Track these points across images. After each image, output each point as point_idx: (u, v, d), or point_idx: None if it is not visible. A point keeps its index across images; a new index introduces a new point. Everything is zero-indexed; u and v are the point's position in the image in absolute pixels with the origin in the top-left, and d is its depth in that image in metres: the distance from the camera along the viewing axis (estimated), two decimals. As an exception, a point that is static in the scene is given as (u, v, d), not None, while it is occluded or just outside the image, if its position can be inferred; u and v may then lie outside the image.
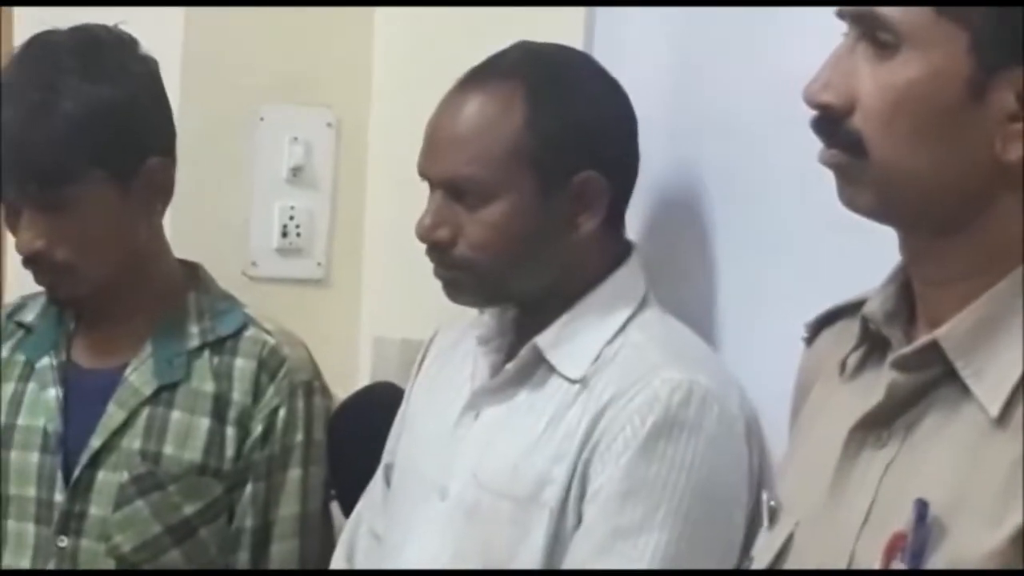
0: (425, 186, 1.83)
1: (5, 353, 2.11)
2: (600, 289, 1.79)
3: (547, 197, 1.75)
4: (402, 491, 1.88)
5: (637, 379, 1.71)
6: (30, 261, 2.00)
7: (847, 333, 1.33)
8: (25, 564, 2.03)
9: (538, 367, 1.77)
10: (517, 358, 1.78)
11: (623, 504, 1.67)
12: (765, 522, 1.35)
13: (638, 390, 1.70)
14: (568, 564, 1.70)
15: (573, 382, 1.74)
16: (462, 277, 1.78)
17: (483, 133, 1.75)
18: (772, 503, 1.34)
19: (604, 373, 1.73)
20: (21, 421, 2.06)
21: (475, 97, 1.77)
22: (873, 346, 1.30)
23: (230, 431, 2.02)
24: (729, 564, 1.70)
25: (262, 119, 2.49)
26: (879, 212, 1.25)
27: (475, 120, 1.76)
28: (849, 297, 1.37)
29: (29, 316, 2.13)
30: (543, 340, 1.77)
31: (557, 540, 1.71)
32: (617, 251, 1.81)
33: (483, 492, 1.76)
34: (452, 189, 1.76)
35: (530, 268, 1.77)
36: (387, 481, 1.95)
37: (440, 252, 1.78)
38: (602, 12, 2.07)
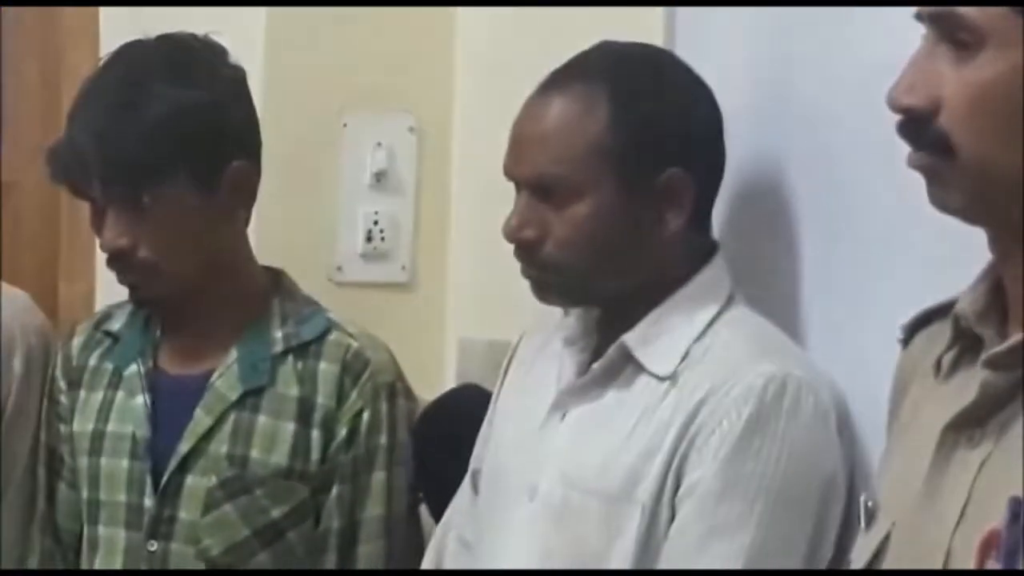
0: (508, 188, 1.81)
1: (94, 362, 2.11)
2: (686, 287, 1.77)
3: (632, 195, 1.74)
4: (492, 496, 1.86)
5: (730, 374, 1.68)
6: (113, 259, 2.00)
7: (941, 334, 1.32)
8: (117, 568, 2.03)
9: (625, 366, 1.75)
10: (604, 357, 1.76)
11: (719, 502, 1.65)
12: (863, 523, 1.33)
13: (732, 384, 1.67)
14: (663, 562, 1.68)
15: (662, 379, 1.72)
16: (550, 277, 1.77)
17: (567, 132, 1.74)
18: (869, 504, 1.33)
19: (695, 370, 1.71)
20: (111, 428, 2.06)
21: (559, 97, 1.76)
22: (966, 345, 1.29)
23: (315, 434, 2.01)
24: (824, 558, 1.67)
25: (345, 125, 2.48)
26: (969, 212, 1.24)
27: (559, 120, 1.75)
28: (941, 298, 1.35)
29: (116, 325, 2.13)
30: (631, 338, 1.75)
31: (650, 536, 1.69)
32: (703, 249, 1.79)
33: (572, 490, 1.74)
34: (538, 189, 1.75)
35: (617, 266, 1.75)
36: (475, 487, 1.93)
37: (527, 252, 1.77)
38: (682, 12, 2.05)
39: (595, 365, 1.77)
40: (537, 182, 1.75)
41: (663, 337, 1.74)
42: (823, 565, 1.67)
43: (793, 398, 1.66)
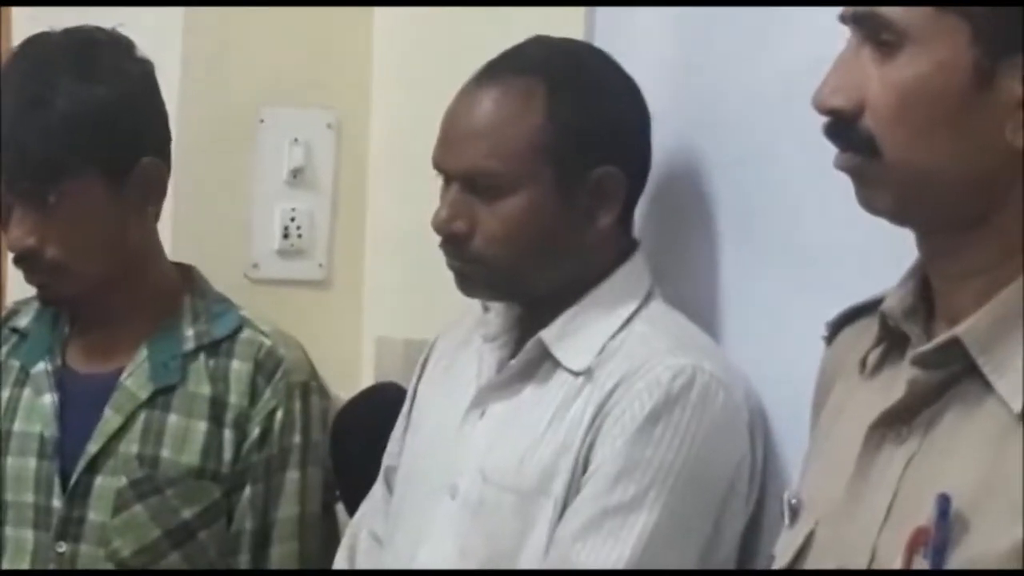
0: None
1: (0, 359, 2.05)
2: (606, 284, 1.75)
3: (566, 191, 1.71)
4: (409, 492, 1.83)
5: (641, 364, 1.67)
6: (21, 259, 1.95)
7: (867, 331, 1.31)
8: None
9: (543, 362, 1.73)
10: (522, 352, 1.74)
11: (615, 483, 1.63)
12: (786, 520, 1.31)
13: (641, 376, 1.66)
14: (555, 539, 1.65)
15: (577, 375, 1.70)
16: (477, 270, 1.74)
17: (503, 126, 1.71)
18: (793, 501, 1.31)
19: (608, 364, 1.69)
20: (17, 427, 2.00)
21: (494, 91, 1.73)
22: (893, 343, 1.28)
23: (227, 434, 1.96)
24: (720, 552, 1.66)
25: (262, 121, 2.45)
26: (897, 212, 1.23)
27: (495, 113, 1.72)
28: (861, 298, 1.34)
29: (23, 321, 2.07)
30: (548, 334, 1.73)
31: None
32: (624, 247, 1.77)
33: (488, 487, 1.71)
34: (470, 182, 1.72)
35: (545, 262, 1.73)
36: (388, 484, 1.90)
37: (456, 245, 1.74)
38: (602, 11, 2.02)
39: (513, 361, 1.76)
40: (470, 175, 1.72)
41: (580, 333, 1.73)
42: (722, 559, 1.67)
43: (701, 391, 1.65)
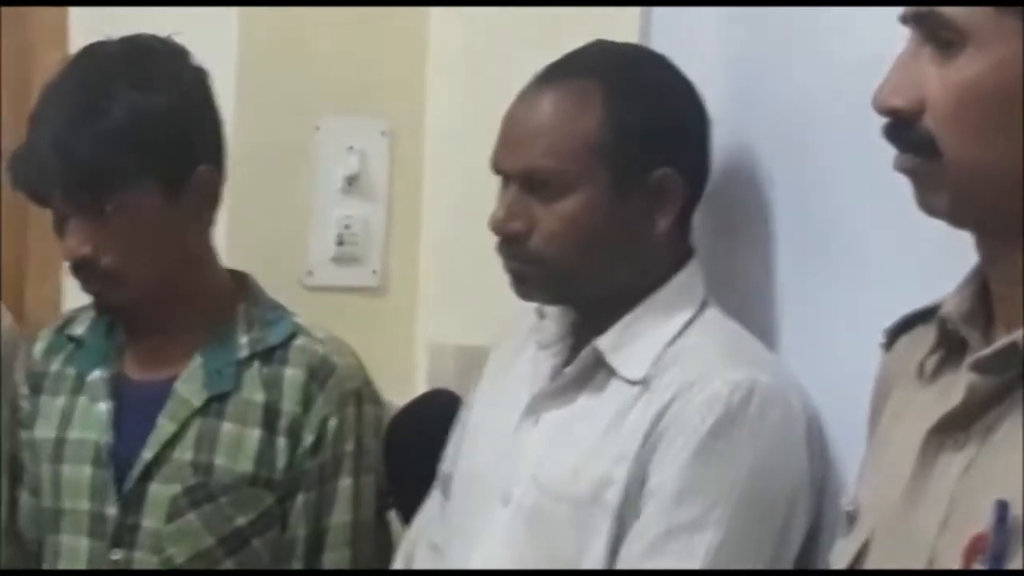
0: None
1: (56, 367, 2.06)
2: (661, 292, 1.73)
3: (623, 192, 1.71)
4: (464, 500, 1.83)
5: (698, 378, 1.65)
6: (77, 268, 1.95)
7: (925, 338, 1.29)
8: (77, 576, 1.98)
9: (598, 370, 1.72)
10: (576, 360, 1.73)
11: (679, 502, 1.62)
12: (842, 527, 1.30)
13: (699, 389, 1.64)
14: (621, 560, 1.64)
15: (634, 384, 1.69)
16: (534, 271, 1.73)
17: (561, 126, 1.71)
18: (850, 508, 1.30)
19: (666, 374, 1.68)
20: (73, 435, 2.00)
21: (553, 92, 1.73)
22: (951, 349, 1.26)
23: (281, 441, 1.96)
24: (783, 565, 1.64)
25: (317, 129, 2.44)
26: (957, 214, 1.21)
27: (553, 114, 1.72)
28: (917, 305, 1.32)
29: (79, 329, 2.07)
30: (603, 343, 1.71)
31: (620, 541, 1.66)
32: (680, 253, 1.76)
33: (544, 496, 1.70)
34: (528, 181, 1.72)
35: (602, 264, 1.72)
36: (445, 491, 1.89)
37: (513, 245, 1.73)
38: (658, 12, 2.01)
39: (567, 369, 1.74)
40: (528, 175, 1.72)
41: (635, 342, 1.71)
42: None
43: (759, 406, 1.63)
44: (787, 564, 1.65)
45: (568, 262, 1.71)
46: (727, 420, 1.62)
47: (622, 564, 1.64)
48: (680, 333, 1.71)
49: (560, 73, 1.75)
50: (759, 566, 1.63)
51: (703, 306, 1.74)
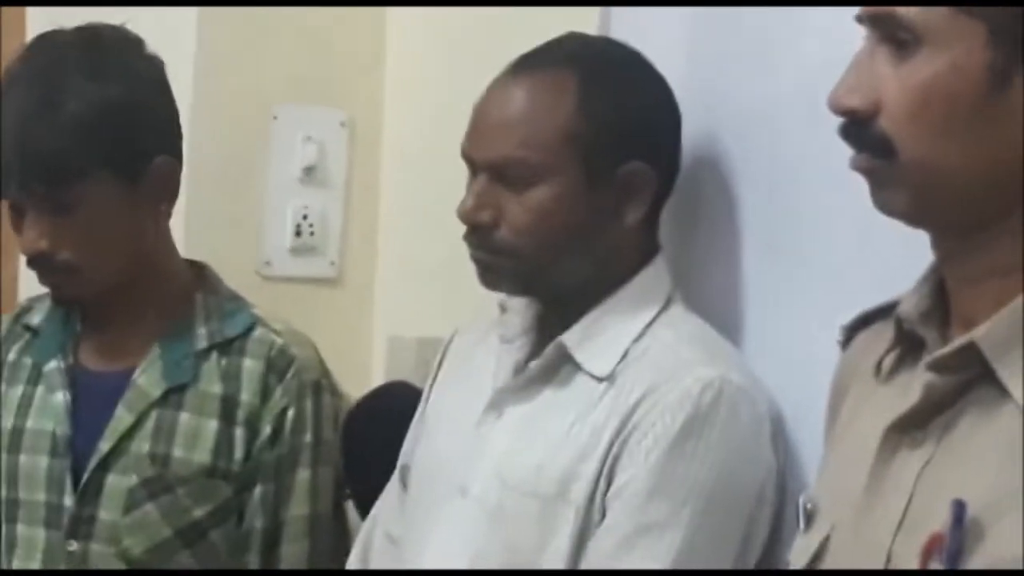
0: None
1: (13, 356, 2.04)
2: (627, 287, 1.73)
3: (594, 184, 1.70)
4: (422, 492, 1.82)
5: (669, 376, 1.65)
6: (34, 261, 1.93)
7: (882, 335, 1.29)
8: (35, 568, 1.95)
9: (563, 365, 1.71)
10: (542, 356, 1.72)
11: (649, 501, 1.62)
12: (801, 524, 1.30)
13: (670, 387, 1.64)
14: (589, 558, 1.64)
15: (600, 380, 1.68)
16: (501, 262, 1.72)
17: (535, 117, 1.70)
18: (808, 505, 1.30)
19: (632, 370, 1.67)
20: (30, 425, 1.98)
21: (527, 82, 1.72)
22: (908, 347, 1.26)
23: (239, 432, 1.94)
24: (749, 563, 1.65)
25: (275, 118, 2.44)
26: (913, 214, 1.22)
27: (527, 104, 1.71)
28: (878, 300, 1.32)
29: (36, 319, 2.06)
30: (569, 338, 1.71)
31: (583, 537, 1.65)
32: (647, 249, 1.76)
33: (508, 492, 1.69)
34: (498, 171, 1.71)
35: (570, 257, 1.71)
36: (403, 483, 1.88)
37: (481, 235, 1.72)
38: (617, 11, 2.00)
39: (532, 364, 1.74)
40: (499, 164, 1.71)
41: (601, 337, 1.71)
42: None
43: (729, 405, 1.63)
44: (751, 562, 1.65)
45: (536, 253, 1.70)
46: (697, 419, 1.62)
47: (590, 560, 1.64)
48: (646, 329, 1.70)
49: (534, 63, 1.74)
50: (725, 564, 1.63)
51: (668, 302, 1.73)
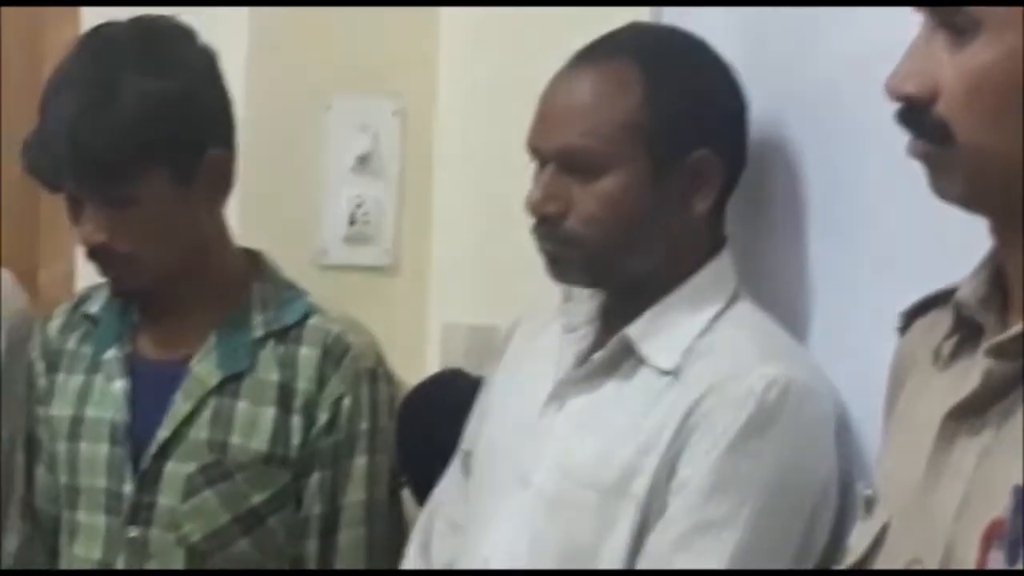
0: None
1: (72, 345, 2.06)
2: (692, 280, 1.71)
3: (661, 174, 1.69)
4: (484, 480, 1.82)
5: (733, 373, 1.63)
6: (93, 253, 1.95)
7: (940, 322, 1.28)
8: (96, 555, 1.98)
9: (626, 358, 1.70)
10: (605, 348, 1.71)
11: (709, 498, 1.60)
12: (861, 511, 1.29)
13: (734, 384, 1.62)
14: (646, 553, 1.63)
15: (664, 373, 1.67)
16: (570, 253, 1.71)
17: (600, 106, 1.69)
18: (868, 492, 1.29)
19: (697, 366, 1.66)
20: (90, 413, 2.00)
21: (591, 72, 1.71)
22: (967, 333, 1.25)
23: (296, 420, 1.95)
24: (808, 563, 1.62)
25: (329, 108, 2.43)
26: (970, 199, 1.21)
27: (592, 93, 1.70)
28: (940, 287, 1.31)
29: (94, 308, 2.07)
30: (633, 331, 1.69)
31: (643, 531, 1.64)
32: (713, 241, 1.74)
33: (567, 482, 1.69)
34: (565, 161, 1.70)
35: (639, 246, 1.70)
36: (465, 469, 1.88)
37: (549, 226, 1.71)
38: (669, 11, 1.97)
39: (595, 356, 1.72)
40: (565, 155, 1.70)
41: (666, 331, 1.69)
42: (810, 567, 1.63)
43: (794, 404, 1.62)
44: (813, 559, 1.63)
45: (604, 243, 1.69)
46: (761, 417, 1.61)
47: (649, 555, 1.63)
48: (711, 324, 1.69)
49: (599, 53, 1.73)
50: (785, 563, 1.61)
51: (735, 296, 1.72)
